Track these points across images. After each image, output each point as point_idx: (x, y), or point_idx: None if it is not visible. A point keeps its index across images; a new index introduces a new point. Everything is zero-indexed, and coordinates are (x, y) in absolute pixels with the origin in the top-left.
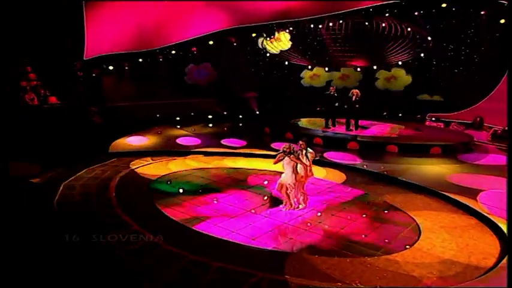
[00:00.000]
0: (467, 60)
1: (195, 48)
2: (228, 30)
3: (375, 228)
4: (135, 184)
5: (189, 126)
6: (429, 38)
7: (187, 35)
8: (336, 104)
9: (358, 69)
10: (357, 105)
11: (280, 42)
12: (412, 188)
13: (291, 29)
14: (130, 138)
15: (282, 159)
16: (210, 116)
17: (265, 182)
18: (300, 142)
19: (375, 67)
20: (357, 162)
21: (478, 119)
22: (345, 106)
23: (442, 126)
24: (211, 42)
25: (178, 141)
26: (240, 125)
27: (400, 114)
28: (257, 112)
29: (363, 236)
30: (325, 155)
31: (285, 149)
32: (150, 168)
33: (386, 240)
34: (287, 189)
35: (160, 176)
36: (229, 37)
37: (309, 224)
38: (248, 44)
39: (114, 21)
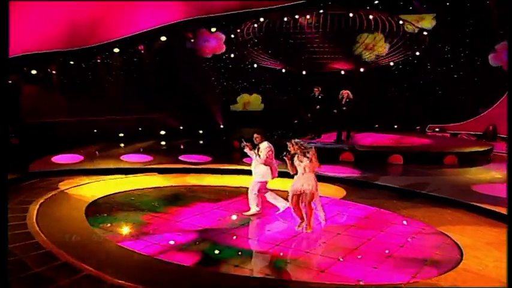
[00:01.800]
0: (470, 62)
1: (142, 47)
2: (185, 23)
3: (399, 247)
4: (66, 207)
5: (136, 144)
6: (425, 33)
7: (132, 29)
8: (318, 107)
9: (342, 72)
10: (348, 110)
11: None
12: (432, 201)
13: (261, 21)
14: (58, 157)
15: (294, 163)
16: (162, 132)
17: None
18: (255, 135)
19: (361, 70)
20: (355, 175)
21: (491, 127)
22: (334, 111)
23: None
24: (163, 38)
25: (124, 158)
26: (201, 142)
27: (395, 126)
28: (222, 126)
29: (388, 256)
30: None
31: (298, 146)
32: (87, 189)
33: (421, 261)
34: (311, 199)
35: (100, 197)
36: (186, 32)
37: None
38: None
39: (39, 11)
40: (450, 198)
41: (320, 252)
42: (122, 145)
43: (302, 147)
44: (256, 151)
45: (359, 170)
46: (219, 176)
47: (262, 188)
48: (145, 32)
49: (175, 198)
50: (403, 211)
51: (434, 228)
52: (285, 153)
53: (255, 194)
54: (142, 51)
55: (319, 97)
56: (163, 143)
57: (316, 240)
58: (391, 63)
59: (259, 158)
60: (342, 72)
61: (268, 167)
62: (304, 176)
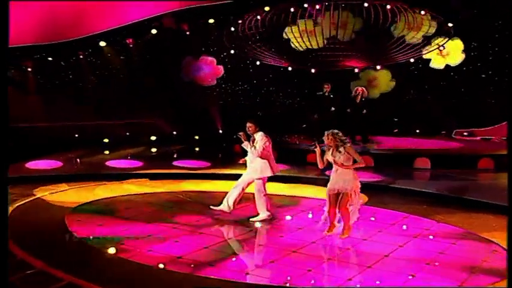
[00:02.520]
0: (499, 60)
1: (130, 41)
2: (179, 14)
3: (439, 254)
4: (42, 214)
5: (123, 150)
6: (450, 25)
7: (119, 20)
8: (332, 109)
9: (356, 70)
10: (365, 110)
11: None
12: (470, 206)
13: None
14: (33, 163)
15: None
16: (153, 138)
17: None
18: (248, 124)
19: (378, 67)
20: (376, 179)
21: None
22: (348, 110)
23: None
24: (154, 31)
25: (110, 164)
26: (197, 149)
27: (417, 131)
28: (220, 131)
29: (427, 263)
30: (328, 173)
31: (333, 138)
32: (65, 195)
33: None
34: (346, 201)
35: (80, 204)
36: (181, 24)
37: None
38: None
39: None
40: (491, 203)
41: (345, 259)
42: (107, 152)
43: (338, 140)
44: (251, 143)
45: (380, 174)
46: (219, 181)
47: (263, 186)
48: (134, 24)
49: (167, 205)
50: (436, 216)
51: (476, 234)
52: (313, 143)
53: (264, 195)
54: (130, 47)
55: (331, 95)
56: (154, 149)
57: (339, 246)
58: (411, 60)
59: (254, 151)
60: (356, 70)
61: (266, 161)
62: (338, 172)
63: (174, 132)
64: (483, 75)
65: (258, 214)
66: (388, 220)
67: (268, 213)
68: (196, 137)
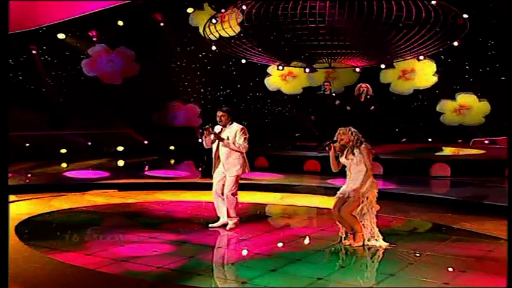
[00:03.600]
0: None
1: (94, 32)
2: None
3: (476, 261)
4: None
5: (85, 162)
6: (465, 16)
7: (80, 9)
8: (337, 102)
9: (357, 69)
10: (371, 107)
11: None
12: (503, 213)
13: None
14: None
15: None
16: (120, 148)
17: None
18: (220, 113)
19: (382, 66)
20: (386, 187)
21: None
22: (347, 108)
23: None
24: (120, 23)
25: (68, 174)
26: (172, 161)
27: (429, 139)
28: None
29: (461, 271)
30: (330, 181)
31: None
32: (17, 207)
33: None
34: (352, 209)
35: (31, 216)
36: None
37: None
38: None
39: None
40: None
41: (361, 267)
42: (64, 165)
43: (356, 139)
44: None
45: (391, 182)
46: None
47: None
48: (98, 13)
49: (137, 214)
50: (465, 224)
51: None
52: (328, 142)
53: (234, 195)
54: (94, 41)
55: (333, 94)
56: (121, 162)
57: (353, 255)
58: (421, 58)
59: (241, 144)
60: (357, 70)
61: (244, 156)
62: (352, 176)
63: (146, 142)
64: (502, 78)
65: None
66: (405, 228)
67: (238, 217)
68: (172, 147)
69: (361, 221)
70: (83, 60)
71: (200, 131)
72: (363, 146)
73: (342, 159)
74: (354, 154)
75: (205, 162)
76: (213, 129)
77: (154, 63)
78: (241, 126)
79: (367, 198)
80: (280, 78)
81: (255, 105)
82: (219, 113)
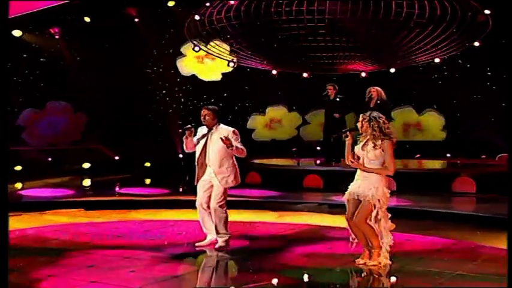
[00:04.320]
0: None
1: (56, 29)
2: None
3: None
4: None
5: (44, 180)
6: (487, 12)
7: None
8: (336, 115)
9: (364, 74)
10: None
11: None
12: None
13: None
14: None
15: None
16: (86, 165)
17: None
18: (205, 112)
19: (392, 70)
20: (401, 204)
21: None
22: (335, 115)
23: None
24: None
25: (25, 193)
26: (148, 181)
27: (447, 155)
28: (180, 155)
29: None
30: (334, 198)
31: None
32: None
33: None
34: (367, 214)
35: None
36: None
37: None
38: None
39: None
40: None
41: None
42: (19, 186)
43: (378, 128)
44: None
45: (406, 199)
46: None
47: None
48: (59, 7)
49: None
50: (496, 242)
51: None
52: (346, 129)
53: (223, 207)
54: (56, 39)
55: (337, 99)
56: (86, 181)
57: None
58: (436, 60)
59: (238, 148)
60: (363, 75)
61: (235, 164)
62: (364, 174)
63: (117, 158)
64: None
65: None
66: (429, 246)
67: (229, 234)
68: (148, 164)
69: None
70: (22, 134)
71: (180, 131)
72: (387, 141)
73: (357, 149)
74: (374, 147)
75: (188, 183)
76: (196, 131)
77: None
78: (232, 129)
79: (379, 200)
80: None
81: (242, 118)
82: (204, 111)
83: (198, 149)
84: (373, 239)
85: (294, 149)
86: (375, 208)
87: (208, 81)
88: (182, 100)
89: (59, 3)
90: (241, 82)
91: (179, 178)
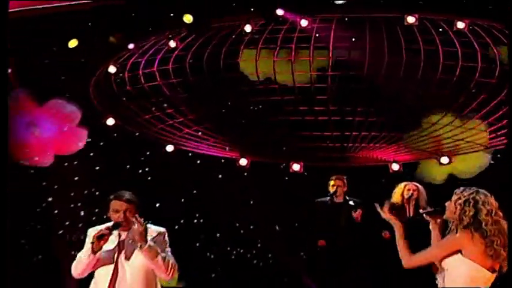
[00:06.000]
0: None
1: None
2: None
3: None
4: None
5: None
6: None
7: None
8: (355, 214)
9: (396, 166)
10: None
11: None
12: None
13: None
14: None
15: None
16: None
17: None
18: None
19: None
20: None
21: None
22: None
23: None
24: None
25: None
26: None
27: None
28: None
29: None
30: None
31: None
32: None
33: None
34: None
35: None
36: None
37: None
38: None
39: None
40: None
41: None
42: None
43: (464, 214)
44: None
45: None
46: None
47: None
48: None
49: None
50: None
51: None
52: (433, 208)
53: None
54: None
55: (348, 201)
56: None
57: None
58: None
59: (162, 263)
60: (395, 168)
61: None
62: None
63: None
64: None
65: None
66: None
67: None
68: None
69: None
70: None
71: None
72: (460, 232)
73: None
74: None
75: None
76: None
77: None
78: (163, 229)
79: None
80: None
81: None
82: (118, 203)
83: (104, 256)
84: None
85: None
86: None
87: None
88: None
89: None
90: None
91: None
